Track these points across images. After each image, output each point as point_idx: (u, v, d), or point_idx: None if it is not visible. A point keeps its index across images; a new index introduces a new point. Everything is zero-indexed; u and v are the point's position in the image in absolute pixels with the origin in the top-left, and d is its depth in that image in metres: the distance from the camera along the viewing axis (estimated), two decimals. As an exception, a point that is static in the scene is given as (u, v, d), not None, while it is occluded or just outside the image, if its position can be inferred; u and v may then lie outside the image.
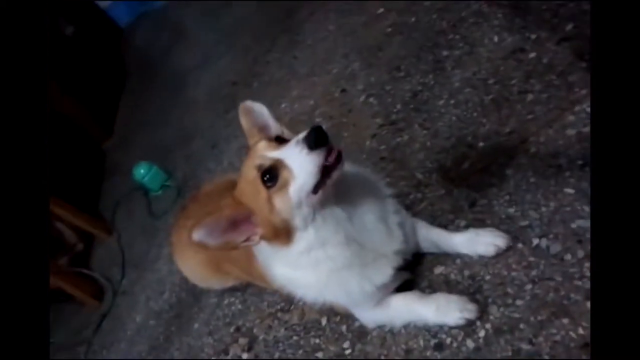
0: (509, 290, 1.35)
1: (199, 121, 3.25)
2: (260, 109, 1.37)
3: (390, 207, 1.45)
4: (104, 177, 3.57)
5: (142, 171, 2.89)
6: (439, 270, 1.51)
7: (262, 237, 1.25)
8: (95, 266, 2.85)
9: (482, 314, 1.34)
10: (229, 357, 1.80)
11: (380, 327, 1.50)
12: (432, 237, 1.51)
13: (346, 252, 1.32)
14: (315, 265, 1.33)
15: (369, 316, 1.50)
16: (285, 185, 1.18)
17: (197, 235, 1.18)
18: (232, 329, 1.88)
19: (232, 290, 1.98)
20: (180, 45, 4.27)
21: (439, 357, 1.36)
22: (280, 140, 1.27)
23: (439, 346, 1.37)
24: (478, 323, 1.34)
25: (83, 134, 3.77)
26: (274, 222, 1.22)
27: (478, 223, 1.53)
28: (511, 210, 1.50)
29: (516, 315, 1.30)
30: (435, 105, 2.01)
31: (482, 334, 1.32)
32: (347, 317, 1.57)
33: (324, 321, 1.66)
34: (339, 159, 1.17)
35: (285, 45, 3.19)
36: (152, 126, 3.63)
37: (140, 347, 2.15)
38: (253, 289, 1.93)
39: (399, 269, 1.42)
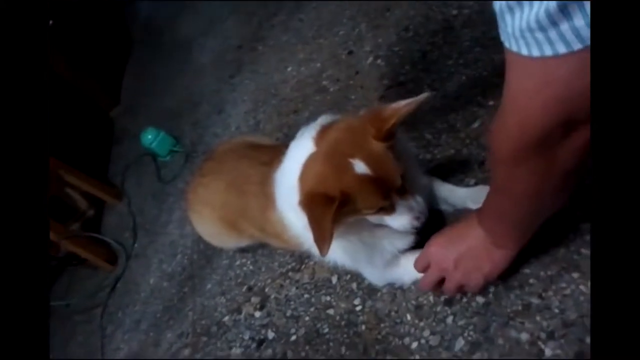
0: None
1: (204, 87, 3.24)
2: None
3: (418, 172, 1.47)
4: (113, 144, 3.57)
5: (149, 137, 2.89)
6: None
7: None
8: (107, 231, 2.89)
9: None
10: (241, 316, 1.84)
11: (390, 285, 1.53)
12: (443, 192, 1.52)
13: (375, 221, 1.35)
14: (344, 234, 1.35)
15: (379, 275, 1.52)
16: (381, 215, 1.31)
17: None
18: (244, 289, 1.91)
19: (244, 251, 2.01)
20: (185, 11, 4.21)
21: (449, 311, 1.38)
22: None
23: (449, 302, 1.40)
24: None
25: (90, 103, 3.76)
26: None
27: (488, 182, 1.54)
28: (522, 167, 1.50)
29: (526, 270, 1.32)
30: (445, 65, 1.99)
31: (491, 289, 1.34)
32: (357, 276, 1.60)
33: (334, 279, 1.69)
34: None
35: (290, 8, 3.14)
36: (159, 93, 3.62)
37: (154, 308, 2.19)
38: (264, 249, 1.96)
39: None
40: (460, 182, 1.59)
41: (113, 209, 3.03)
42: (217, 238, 1.96)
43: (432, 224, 1.50)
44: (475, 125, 1.70)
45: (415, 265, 1.37)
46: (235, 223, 1.83)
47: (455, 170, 1.64)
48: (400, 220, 1.31)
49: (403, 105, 1.25)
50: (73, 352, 2.37)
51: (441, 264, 1.27)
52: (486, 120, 1.69)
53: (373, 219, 1.33)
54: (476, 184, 1.56)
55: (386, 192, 1.25)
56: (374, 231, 1.39)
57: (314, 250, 1.45)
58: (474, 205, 1.48)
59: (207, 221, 1.92)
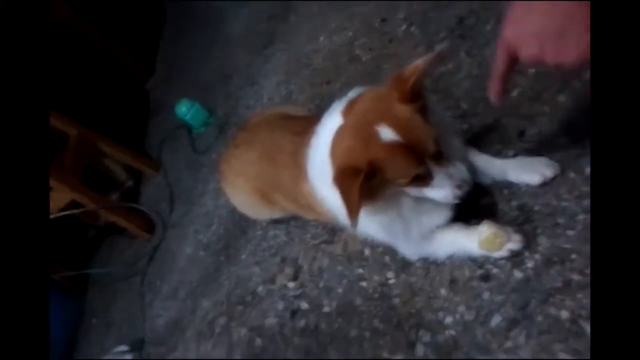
0: (560, 220, 1.30)
1: (237, 59, 3.22)
2: None
3: (456, 141, 1.42)
4: (149, 115, 3.62)
5: (183, 109, 2.91)
6: (485, 200, 1.47)
7: None
8: (145, 202, 2.95)
9: (531, 244, 1.30)
10: (275, 286, 1.86)
11: (424, 259, 1.50)
12: (481, 164, 1.47)
13: (415, 194, 1.31)
14: (383, 209, 1.33)
15: (413, 249, 1.50)
16: (418, 185, 1.25)
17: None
18: (277, 260, 1.92)
19: (277, 223, 2.02)
20: (218, -19, 4.17)
21: (485, 287, 1.35)
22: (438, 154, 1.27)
23: (486, 277, 1.36)
24: (527, 254, 1.30)
25: (125, 74, 3.80)
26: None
27: (527, 153, 1.48)
28: (564, 138, 1.44)
29: (567, 245, 1.26)
30: (483, 31, 1.91)
31: (530, 264, 1.29)
32: (390, 249, 1.58)
33: (367, 252, 1.67)
34: None
35: (322, -25, 3.06)
36: (192, 64, 3.62)
37: (191, 277, 2.24)
38: (297, 221, 1.96)
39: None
40: (498, 153, 1.53)
41: (150, 180, 3.08)
42: (251, 209, 1.97)
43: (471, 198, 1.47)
44: (515, 93, 1.63)
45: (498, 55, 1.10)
46: (268, 194, 1.84)
47: (493, 140, 1.58)
48: (441, 191, 1.26)
49: (422, 61, 1.19)
50: (114, 317, 2.46)
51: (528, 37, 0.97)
52: (526, 89, 1.61)
53: (412, 191, 1.29)
54: (515, 155, 1.50)
55: (419, 159, 1.20)
56: (414, 206, 1.36)
57: (347, 223, 1.46)
58: (514, 178, 1.42)
59: (241, 192, 1.93)
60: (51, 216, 2.39)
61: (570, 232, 1.28)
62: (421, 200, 1.33)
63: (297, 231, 1.94)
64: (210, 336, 1.93)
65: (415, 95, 1.20)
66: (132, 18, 4.09)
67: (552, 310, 1.18)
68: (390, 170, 1.20)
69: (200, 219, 2.47)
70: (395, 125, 1.16)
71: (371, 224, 1.40)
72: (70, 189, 2.46)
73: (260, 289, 1.90)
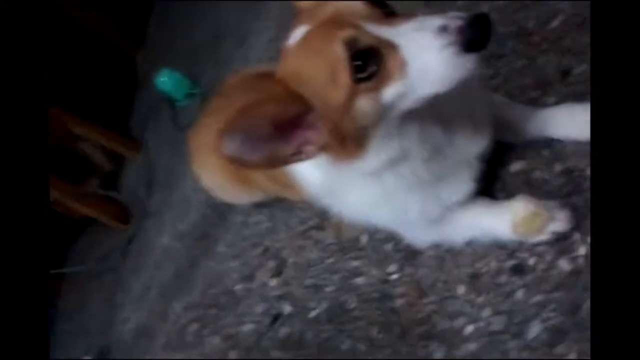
0: None
1: (227, 18, 2.86)
2: None
3: (477, 94, 1.05)
4: (136, 91, 3.29)
5: (163, 79, 2.57)
6: (517, 166, 1.12)
7: (322, 148, 0.85)
8: (124, 187, 2.65)
9: (582, 224, 0.96)
10: (254, 284, 1.52)
11: (436, 247, 1.14)
12: (513, 116, 1.09)
13: (427, 167, 0.96)
14: (378, 183, 0.97)
15: (421, 234, 1.13)
16: (386, 82, 0.78)
17: (230, 144, 0.76)
18: (259, 251, 1.60)
19: (260, 206, 1.68)
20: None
21: (519, 282, 0.99)
22: (388, 12, 0.83)
23: (519, 269, 1.00)
24: (577, 236, 0.96)
25: (110, 49, 3.48)
26: (344, 128, 0.82)
27: (574, 99, 1.09)
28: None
29: None
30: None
31: (582, 251, 0.95)
32: (393, 234, 1.21)
33: (364, 239, 1.33)
34: None
35: None
36: (182, 32, 3.29)
37: (165, 273, 1.95)
38: (282, 204, 1.61)
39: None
40: (534, 102, 1.16)
41: (133, 162, 2.77)
42: (227, 192, 1.63)
43: (494, 163, 1.09)
44: (555, 23, 1.25)
45: None
46: (245, 174, 1.48)
47: (527, 86, 1.20)
48: (428, 57, 0.76)
49: None
50: (85, 322, 2.19)
51: None
52: (569, 16, 1.21)
53: (393, 92, 0.80)
54: (558, 103, 1.11)
55: (346, 23, 0.78)
56: (424, 174, 0.98)
57: (331, 206, 1.12)
58: (557, 132, 1.06)
59: (214, 172, 1.58)
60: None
61: None
62: (437, 165, 0.97)
63: (282, 215, 1.61)
64: (181, 346, 1.63)
65: None
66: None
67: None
68: (316, 66, 0.80)
69: (179, 204, 2.17)
70: (306, 18, 0.85)
71: (366, 204, 1.03)
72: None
73: (237, 287, 1.60)
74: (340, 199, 1.06)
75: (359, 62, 0.77)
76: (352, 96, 0.78)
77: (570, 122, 1.04)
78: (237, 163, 0.80)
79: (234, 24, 2.77)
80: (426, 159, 0.94)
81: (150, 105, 2.93)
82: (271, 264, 1.52)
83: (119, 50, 3.51)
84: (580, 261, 0.93)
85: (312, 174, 1.06)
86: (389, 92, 0.79)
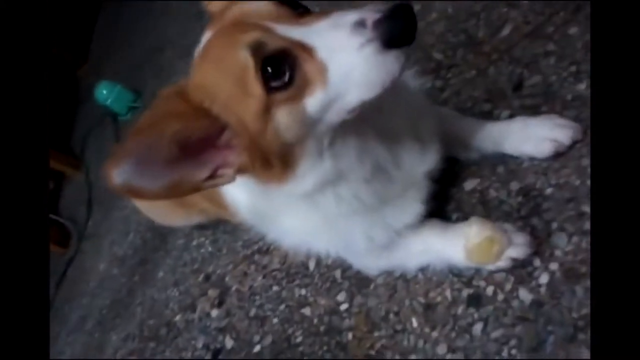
0: (585, 208, 0.87)
1: (172, 30, 2.73)
2: None
3: (423, 108, 0.96)
4: (77, 107, 3.10)
5: (104, 92, 2.41)
6: (471, 185, 1.03)
7: (241, 169, 0.73)
8: (63, 207, 2.46)
9: (544, 249, 0.87)
10: (195, 315, 1.39)
11: (388, 274, 1.04)
12: (463, 131, 1.00)
13: (370, 189, 0.86)
14: (316, 207, 0.86)
15: (370, 261, 1.04)
16: (305, 90, 0.68)
17: (120, 172, 0.64)
18: (200, 278, 1.47)
19: (202, 228, 1.55)
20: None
21: (475, 315, 0.89)
22: (302, 12, 0.72)
23: (476, 299, 0.92)
24: (537, 263, 0.88)
25: (52, 63, 3.27)
26: (266, 145, 0.71)
27: (529, 112, 1.02)
28: (581, 86, 0.98)
29: None
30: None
31: (543, 279, 0.87)
32: (342, 260, 1.11)
33: (312, 265, 1.22)
34: None
35: None
36: (125, 44, 3.14)
37: (101, 302, 1.79)
38: (226, 225, 1.49)
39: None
40: (487, 116, 1.08)
41: (72, 181, 2.58)
42: (162, 214, 1.49)
43: (445, 181, 1.00)
44: (505, 32, 1.18)
45: None
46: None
47: (479, 99, 1.13)
48: (348, 55, 0.65)
49: None
50: None
51: None
52: (520, 24, 1.14)
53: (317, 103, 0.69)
54: (511, 116, 1.03)
55: (250, 28, 0.68)
56: (371, 196, 0.87)
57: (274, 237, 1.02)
58: (512, 148, 0.98)
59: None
60: None
61: (601, 226, 0.81)
62: (381, 186, 0.87)
63: (225, 238, 1.49)
64: (117, 385, 1.47)
65: None
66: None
67: (583, 352, 0.76)
68: (221, 77, 0.70)
69: (118, 226, 2.01)
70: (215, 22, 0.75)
71: (304, 230, 0.93)
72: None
73: (177, 318, 1.46)
74: (274, 224, 0.95)
75: (271, 69, 0.66)
76: (267, 108, 0.67)
77: (525, 138, 0.96)
78: (132, 194, 0.68)
79: (179, 35, 2.64)
80: (368, 180, 0.84)
81: (92, 120, 2.75)
82: (213, 292, 1.39)
83: (61, 64, 3.31)
84: (542, 290, 0.85)
85: (240, 198, 0.95)
86: (312, 101, 0.68)
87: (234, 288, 1.35)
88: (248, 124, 0.69)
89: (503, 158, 1.00)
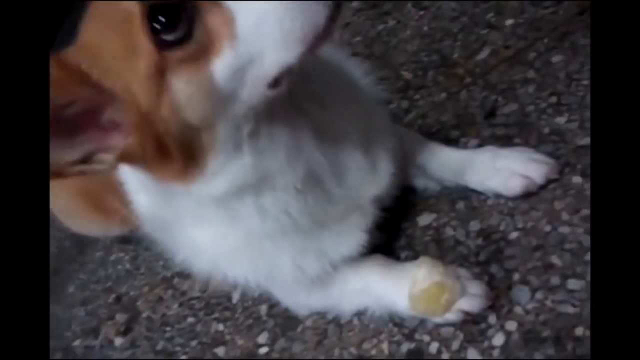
0: (554, 260, 0.75)
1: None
2: None
3: (380, 119, 0.83)
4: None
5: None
6: (426, 219, 0.89)
7: (127, 156, 0.58)
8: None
9: (501, 304, 0.74)
10: (97, 342, 1.19)
11: (318, 314, 0.87)
12: (425, 157, 0.87)
13: (303, 205, 0.70)
14: (233, 220, 0.71)
15: (299, 298, 0.87)
16: (209, 50, 0.53)
17: None
18: (111, 299, 1.27)
19: (124, 242, 1.36)
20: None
21: (421, 372, 0.73)
22: None
23: (417, 356, 0.75)
24: (492, 319, 0.73)
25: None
26: (162, 126, 0.55)
27: (499, 142, 0.89)
28: (561, 119, 0.86)
29: (567, 308, 0.69)
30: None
31: (498, 340, 0.72)
32: (270, 294, 0.94)
33: (236, 297, 1.04)
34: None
35: None
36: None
37: None
38: (150, 240, 1.30)
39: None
40: (453, 143, 0.95)
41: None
42: (76, 220, 1.30)
43: (397, 212, 0.86)
44: (483, 55, 1.07)
45: None
46: (100, 199, 1.17)
47: (446, 124, 0.99)
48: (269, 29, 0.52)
49: None
50: None
51: None
52: (500, 48, 1.03)
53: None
54: (481, 145, 0.90)
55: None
56: (305, 218, 0.72)
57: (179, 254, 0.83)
58: (477, 183, 0.84)
59: (61, 196, 1.25)
60: None
61: (572, 282, 0.71)
62: (315, 204, 0.72)
63: (146, 255, 1.30)
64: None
65: None
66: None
67: None
68: (103, 31, 0.55)
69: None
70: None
71: (216, 248, 0.76)
72: None
73: (77, 343, 1.24)
74: (180, 238, 0.78)
75: (163, 18, 0.50)
76: (161, 72, 0.51)
77: (492, 171, 0.83)
78: None
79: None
80: (300, 191, 0.68)
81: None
82: (121, 317, 1.19)
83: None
84: (495, 354, 0.70)
85: (140, 199, 0.77)
86: (220, 65, 0.52)
87: (144, 314, 1.15)
88: (137, 94, 0.53)
89: (466, 192, 0.87)
